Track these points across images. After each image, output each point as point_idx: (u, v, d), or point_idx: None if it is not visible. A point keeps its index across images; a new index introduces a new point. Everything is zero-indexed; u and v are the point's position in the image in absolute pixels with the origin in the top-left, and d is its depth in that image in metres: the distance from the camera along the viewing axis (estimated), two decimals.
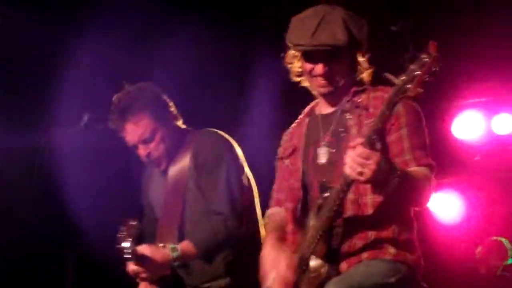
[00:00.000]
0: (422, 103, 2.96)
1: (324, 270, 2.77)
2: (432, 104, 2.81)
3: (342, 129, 2.90)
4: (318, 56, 2.89)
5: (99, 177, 5.29)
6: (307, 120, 3.13)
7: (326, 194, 2.80)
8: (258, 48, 3.73)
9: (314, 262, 2.81)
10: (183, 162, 3.46)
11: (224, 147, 3.47)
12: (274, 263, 2.88)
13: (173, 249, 3.33)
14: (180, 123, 3.60)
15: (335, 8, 2.91)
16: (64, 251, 5.02)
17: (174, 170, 3.51)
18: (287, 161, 3.12)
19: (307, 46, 2.86)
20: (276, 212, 3.17)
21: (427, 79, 2.47)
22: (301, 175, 3.01)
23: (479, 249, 6.49)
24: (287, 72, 3.11)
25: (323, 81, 2.92)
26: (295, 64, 3.05)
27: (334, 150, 2.90)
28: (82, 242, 5.06)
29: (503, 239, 6.44)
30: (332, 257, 2.82)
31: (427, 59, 2.43)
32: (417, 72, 2.44)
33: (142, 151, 3.45)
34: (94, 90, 4.74)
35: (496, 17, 5.40)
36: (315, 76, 2.93)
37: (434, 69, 2.45)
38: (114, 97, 3.52)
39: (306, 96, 3.16)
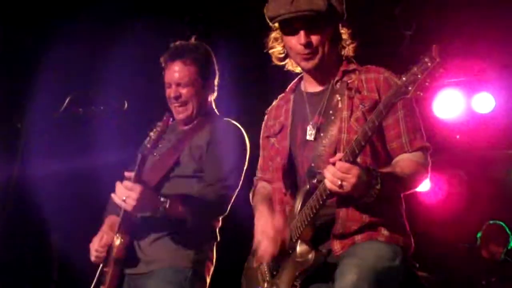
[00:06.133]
0: None
1: (311, 256, 2.79)
2: None
3: (332, 111, 2.86)
4: (299, 25, 2.84)
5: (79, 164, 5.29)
6: (292, 96, 3.07)
7: (314, 181, 2.79)
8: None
9: (300, 247, 2.82)
10: (195, 134, 3.50)
11: (240, 138, 3.53)
12: (264, 226, 2.91)
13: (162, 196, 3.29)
14: (214, 96, 3.67)
15: None
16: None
17: (184, 130, 3.58)
18: (273, 140, 3.08)
19: (286, 13, 2.82)
20: (263, 186, 3.20)
21: (428, 83, 2.43)
22: (288, 154, 2.97)
23: (480, 234, 6.51)
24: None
25: (306, 52, 2.86)
26: (276, 47, 3.02)
27: (321, 134, 2.86)
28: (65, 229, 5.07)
29: (502, 223, 6.51)
30: (320, 240, 2.84)
31: (429, 64, 2.38)
32: (418, 76, 2.40)
33: (173, 92, 3.51)
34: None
35: None
36: (299, 50, 2.87)
37: (436, 74, 2.41)
38: (177, 42, 3.63)
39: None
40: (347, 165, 2.54)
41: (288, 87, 3.13)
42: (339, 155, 2.59)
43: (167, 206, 3.23)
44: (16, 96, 5.11)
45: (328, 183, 2.59)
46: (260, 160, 3.21)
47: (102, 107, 3.95)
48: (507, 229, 6.45)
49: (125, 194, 3.22)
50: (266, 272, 2.95)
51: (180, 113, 3.54)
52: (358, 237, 2.78)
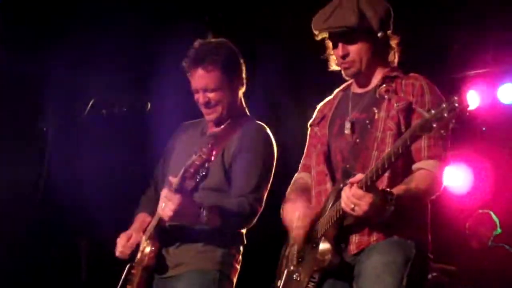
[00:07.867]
0: (427, 75, 3.08)
1: (327, 258, 2.90)
2: (438, 76, 2.90)
3: (370, 112, 3.01)
4: (337, 39, 3.08)
5: (106, 165, 5.34)
6: (340, 94, 3.29)
7: (347, 182, 2.86)
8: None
9: (323, 245, 2.94)
10: (227, 140, 3.49)
11: (268, 142, 3.54)
12: (294, 208, 3.08)
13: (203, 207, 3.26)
14: (243, 90, 3.65)
15: None
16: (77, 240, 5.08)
17: (215, 133, 3.56)
18: (316, 128, 3.29)
19: (323, 30, 3.08)
20: (302, 176, 3.35)
21: (452, 124, 2.48)
22: (328, 141, 3.17)
23: (467, 224, 6.52)
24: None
25: (344, 63, 3.09)
26: (331, 53, 3.24)
27: (356, 129, 3.01)
28: (94, 231, 5.11)
29: (490, 212, 6.47)
30: (341, 240, 2.95)
31: (457, 106, 2.43)
32: (445, 115, 2.45)
33: (201, 98, 3.50)
34: None
35: None
36: (339, 60, 3.11)
37: (463, 118, 2.46)
38: (195, 42, 3.59)
39: None
40: (360, 192, 2.68)
41: (341, 87, 3.33)
42: (359, 176, 2.71)
43: (206, 219, 3.24)
44: (40, 99, 5.16)
45: (343, 203, 2.75)
46: (306, 148, 3.38)
47: (125, 109, 3.97)
48: (494, 216, 6.43)
49: (164, 202, 3.21)
50: (294, 258, 3.10)
51: (210, 114, 3.55)
52: (373, 238, 2.91)
